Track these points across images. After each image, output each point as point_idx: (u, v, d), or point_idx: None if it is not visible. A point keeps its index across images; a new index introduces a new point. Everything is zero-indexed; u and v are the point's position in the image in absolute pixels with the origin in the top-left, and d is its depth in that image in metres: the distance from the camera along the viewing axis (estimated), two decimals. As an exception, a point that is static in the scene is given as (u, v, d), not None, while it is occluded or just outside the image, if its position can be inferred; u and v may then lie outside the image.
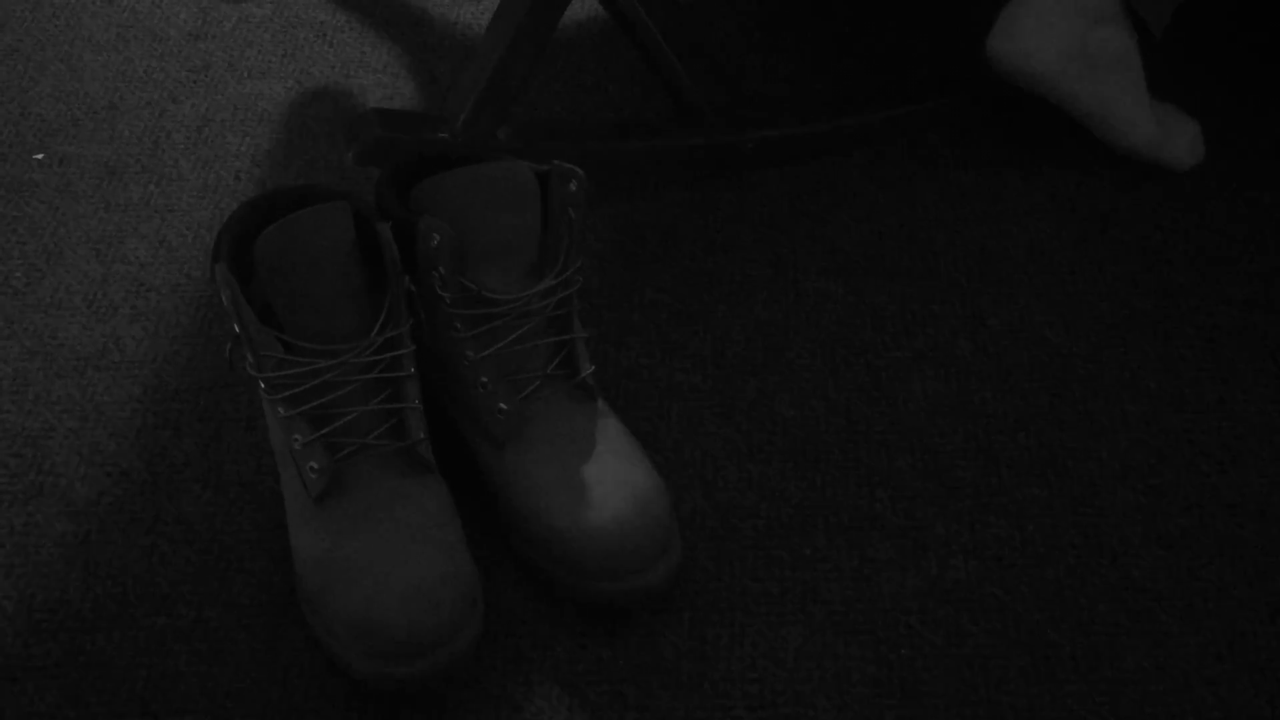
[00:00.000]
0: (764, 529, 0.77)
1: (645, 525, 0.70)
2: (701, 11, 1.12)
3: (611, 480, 0.71)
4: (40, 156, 1.01)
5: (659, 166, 0.97)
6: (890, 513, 0.78)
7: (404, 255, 0.72)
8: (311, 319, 0.70)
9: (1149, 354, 0.86)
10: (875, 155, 0.99)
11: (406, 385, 0.71)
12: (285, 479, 0.73)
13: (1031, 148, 1.00)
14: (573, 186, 0.73)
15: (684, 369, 0.86)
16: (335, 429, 0.70)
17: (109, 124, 1.03)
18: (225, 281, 0.69)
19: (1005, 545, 0.76)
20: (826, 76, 1.06)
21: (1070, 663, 0.71)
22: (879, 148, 0.99)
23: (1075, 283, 0.91)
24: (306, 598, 0.71)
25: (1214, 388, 0.84)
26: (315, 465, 0.70)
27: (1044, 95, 0.93)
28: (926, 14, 1.11)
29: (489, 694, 0.70)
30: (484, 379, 0.72)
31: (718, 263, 0.92)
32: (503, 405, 0.72)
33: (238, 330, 0.70)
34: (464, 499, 0.75)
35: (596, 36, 1.09)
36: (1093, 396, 0.84)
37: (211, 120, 1.03)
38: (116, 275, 0.92)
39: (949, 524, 0.77)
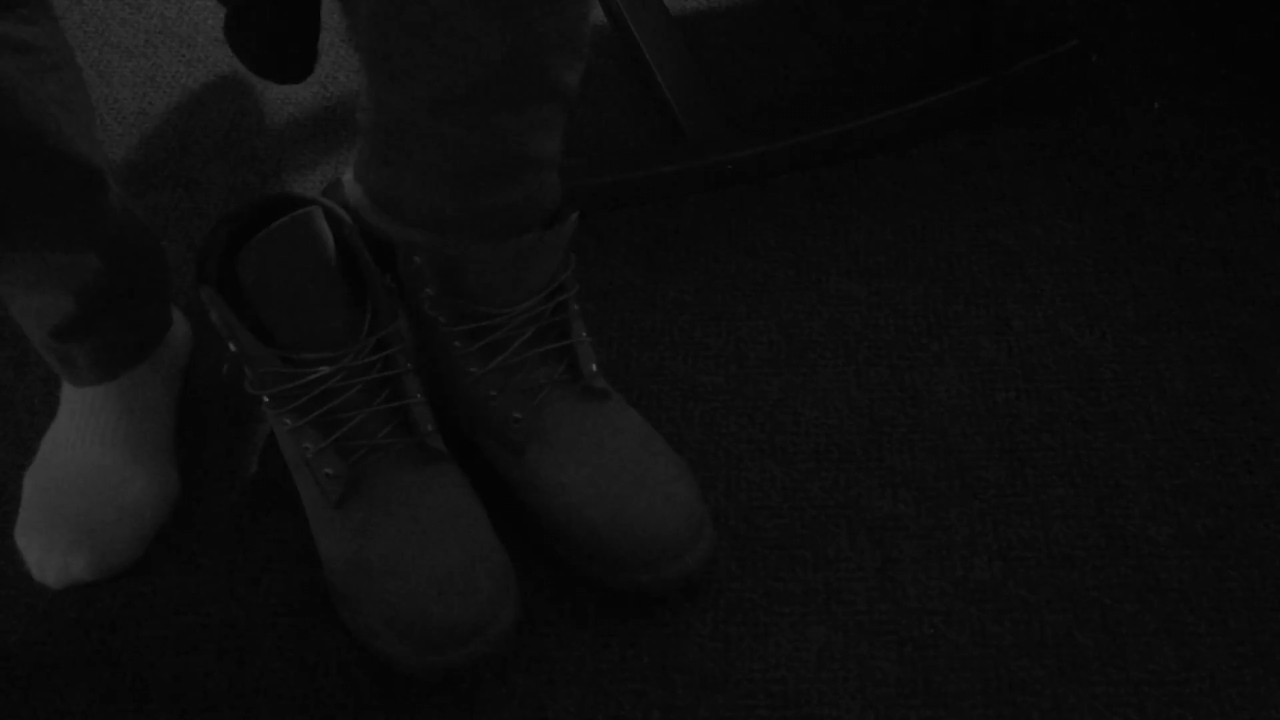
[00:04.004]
0: (787, 529, 0.77)
1: (676, 512, 0.71)
2: (693, 27, 1.12)
3: (637, 473, 0.72)
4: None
5: (646, 195, 0.97)
6: (914, 513, 0.78)
7: (392, 279, 0.72)
8: (303, 328, 0.70)
9: (1175, 355, 0.86)
10: (898, 157, 0.99)
11: (406, 381, 0.72)
12: (302, 487, 0.73)
13: (1055, 149, 1.00)
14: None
15: (706, 369, 0.86)
16: (345, 433, 0.70)
17: (138, 129, 1.04)
18: (214, 302, 0.70)
19: (1030, 546, 0.76)
20: (814, 87, 1.06)
21: (1096, 664, 0.71)
22: (857, 161, 0.99)
23: (1100, 284, 0.90)
24: (342, 600, 0.71)
25: (1240, 388, 0.84)
26: (330, 471, 0.70)
27: None
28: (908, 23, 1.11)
29: (513, 693, 0.70)
30: (492, 392, 0.73)
31: (740, 264, 0.92)
32: (516, 414, 0.73)
33: (234, 349, 0.70)
34: (481, 492, 0.76)
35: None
36: (1118, 397, 0.83)
37: (239, 125, 1.04)
38: (145, 278, 0.93)
39: (973, 524, 0.77)
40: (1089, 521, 0.77)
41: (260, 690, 0.71)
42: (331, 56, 1.10)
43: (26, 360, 0.87)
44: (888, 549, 0.76)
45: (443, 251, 0.71)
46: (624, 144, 1.01)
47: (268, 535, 0.78)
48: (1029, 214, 0.95)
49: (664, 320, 0.89)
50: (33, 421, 0.84)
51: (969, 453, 0.81)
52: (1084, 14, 1.09)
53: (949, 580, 0.74)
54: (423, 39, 0.63)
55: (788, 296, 0.90)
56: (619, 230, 0.95)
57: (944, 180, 0.98)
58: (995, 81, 1.01)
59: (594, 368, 0.74)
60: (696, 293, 0.91)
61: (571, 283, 0.74)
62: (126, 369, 0.78)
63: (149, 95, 1.07)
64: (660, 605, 0.73)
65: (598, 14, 1.08)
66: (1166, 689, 0.70)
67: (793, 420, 0.83)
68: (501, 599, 0.69)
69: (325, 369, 0.69)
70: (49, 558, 0.74)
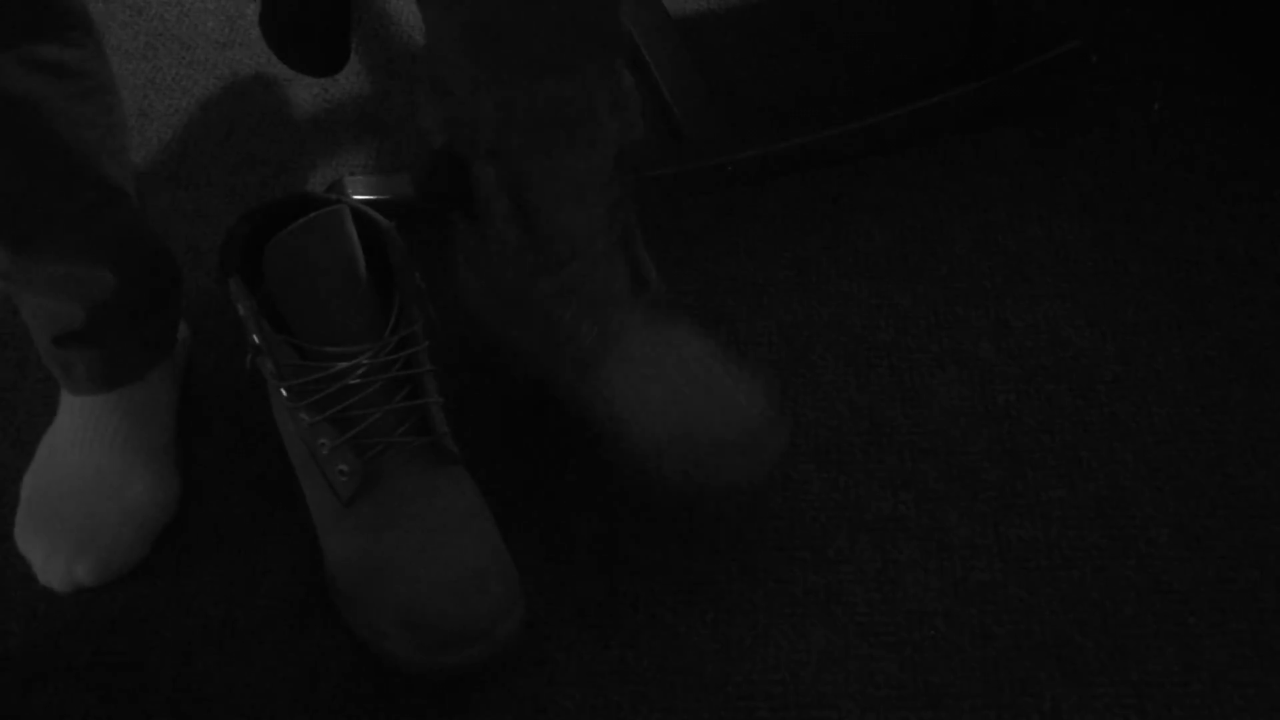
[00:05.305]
0: (787, 530, 0.77)
1: (756, 416, 0.73)
2: (693, 29, 1.12)
3: (708, 379, 0.74)
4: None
5: (645, 196, 0.97)
6: (914, 514, 0.78)
7: (464, 200, 0.73)
8: (325, 324, 0.70)
9: (1175, 355, 0.86)
10: (898, 158, 0.99)
11: (425, 380, 0.72)
12: (309, 486, 0.73)
13: (1055, 149, 1.00)
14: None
15: (707, 371, 0.86)
16: (362, 430, 0.70)
17: (139, 131, 1.04)
18: (241, 294, 0.70)
19: (1030, 547, 0.76)
20: (814, 88, 1.06)
21: (1096, 665, 0.71)
22: (857, 162, 0.99)
23: (1100, 284, 0.90)
24: (346, 599, 0.71)
25: (1241, 389, 0.84)
26: (345, 468, 0.70)
27: None
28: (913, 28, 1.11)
29: (513, 695, 0.70)
30: (563, 306, 0.74)
31: (740, 265, 0.92)
32: (586, 329, 0.74)
33: (257, 340, 0.71)
34: (490, 490, 0.76)
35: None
36: (1118, 398, 0.83)
37: (239, 127, 1.04)
38: (146, 280, 0.93)
39: (973, 526, 0.77)
40: (1089, 523, 0.77)
41: (260, 691, 0.71)
42: (332, 58, 1.10)
43: (28, 361, 0.87)
44: (888, 550, 0.76)
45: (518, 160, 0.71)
46: (624, 145, 1.01)
47: (268, 535, 0.78)
48: (1029, 214, 0.95)
49: (664, 322, 0.89)
50: (33, 423, 0.84)
51: (969, 454, 0.81)
52: (1084, 14, 1.09)
53: (949, 581, 0.74)
54: None
55: (788, 298, 0.90)
56: (619, 232, 0.95)
57: (944, 181, 0.98)
58: (995, 83, 1.01)
59: (659, 280, 0.77)
60: (696, 293, 0.91)
61: (629, 199, 0.75)
62: (126, 383, 0.78)
63: (150, 98, 1.07)
64: (660, 606, 0.74)
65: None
66: (1167, 690, 0.70)
67: (793, 421, 0.83)
68: (511, 600, 0.69)
69: (344, 364, 0.70)
70: (53, 562, 0.74)
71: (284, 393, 0.71)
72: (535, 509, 0.78)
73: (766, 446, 0.74)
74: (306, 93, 1.07)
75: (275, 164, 1.01)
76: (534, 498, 0.79)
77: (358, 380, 0.71)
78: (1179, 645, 0.71)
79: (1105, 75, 1.04)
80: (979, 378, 0.85)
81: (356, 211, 0.73)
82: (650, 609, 0.73)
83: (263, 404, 0.80)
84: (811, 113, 1.02)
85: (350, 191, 0.94)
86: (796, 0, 1.13)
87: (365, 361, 0.70)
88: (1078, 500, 0.78)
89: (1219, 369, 0.85)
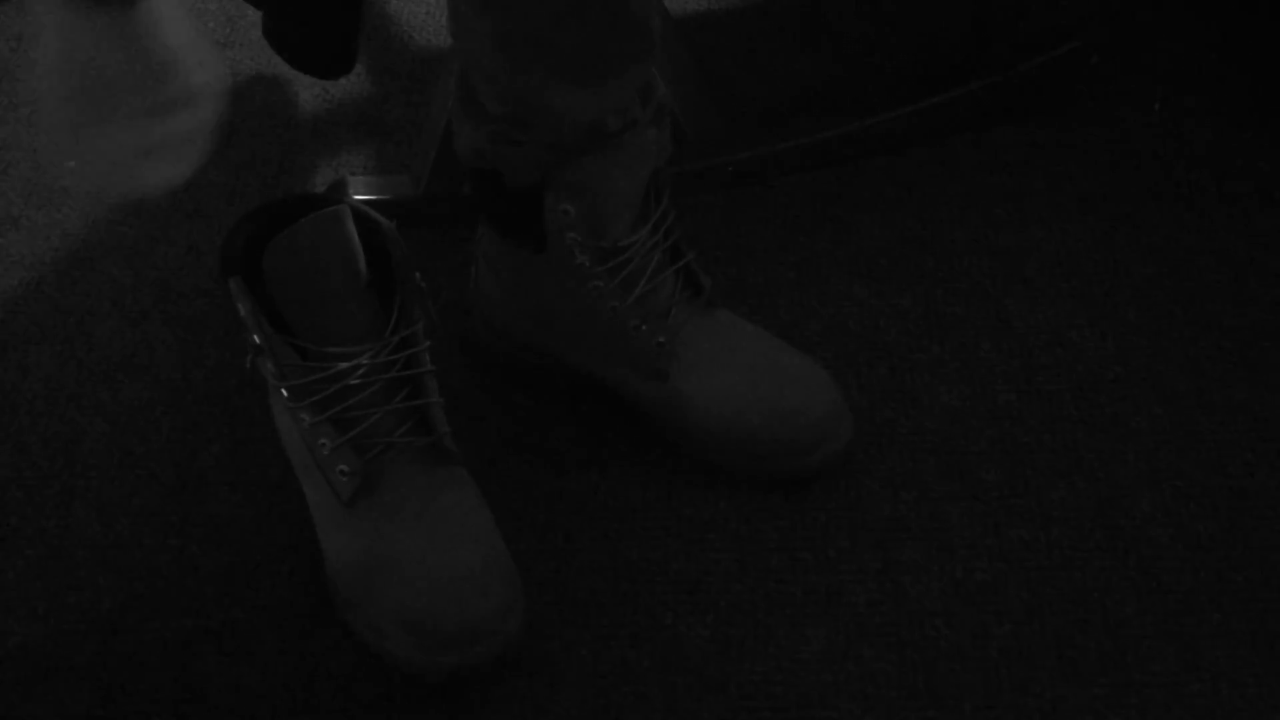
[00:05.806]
0: (788, 530, 0.77)
1: (821, 400, 0.78)
2: (693, 29, 1.13)
3: (775, 372, 0.78)
4: (72, 164, 1.02)
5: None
6: (915, 515, 0.78)
7: (531, 228, 0.76)
8: (326, 324, 0.71)
9: (1176, 356, 0.86)
10: (899, 158, 0.99)
11: (426, 381, 0.72)
12: (309, 486, 0.73)
13: (1055, 149, 1.00)
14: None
15: (707, 372, 0.86)
16: (362, 430, 0.70)
17: (139, 132, 1.04)
18: (242, 294, 0.70)
19: (1031, 547, 0.76)
20: (814, 88, 1.06)
21: (1097, 665, 0.71)
22: (857, 162, 0.99)
23: (1100, 285, 0.90)
24: (347, 600, 0.71)
25: (1242, 389, 0.84)
26: (345, 469, 0.70)
27: None
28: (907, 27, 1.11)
29: (513, 695, 0.70)
30: (635, 322, 0.77)
31: (741, 266, 0.92)
32: (661, 339, 0.77)
33: (258, 340, 0.71)
34: (490, 491, 0.76)
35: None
36: (1119, 399, 0.83)
37: (240, 127, 1.04)
38: (146, 281, 0.93)
39: (974, 526, 0.77)
40: (1090, 523, 0.77)
41: (260, 691, 0.71)
42: (332, 59, 1.10)
43: (29, 363, 0.88)
44: (889, 550, 0.76)
45: (579, 159, 0.75)
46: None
47: (268, 536, 0.78)
48: (1029, 215, 0.95)
49: (664, 322, 0.89)
50: (34, 424, 0.84)
51: (970, 454, 0.81)
52: (1084, 15, 1.09)
53: (950, 581, 0.74)
54: None
55: (788, 298, 0.90)
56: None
57: (945, 181, 0.98)
58: (996, 83, 1.01)
59: (707, 279, 0.80)
60: (697, 294, 0.91)
61: (672, 209, 0.79)
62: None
63: (150, 98, 1.07)
64: (660, 606, 0.74)
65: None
66: (1167, 690, 0.70)
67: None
68: (512, 601, 0.69)
69: (344, 364, 0.70)
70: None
71: (284, 393, 0.71)
72: (535, 509, 0.78)
73: (836, 435, 0.78)
74: (307, 93, 1.07)
75: (275, 164, 1.01)
76: (534, 498, 0.79)
77: (358, 380, 0.71)
78: (1179, 645, 0.71)
79: (1105, 75, 1.04)
80: (979, 378, 0.85)
81: (357, 211, 0.73)
82: (650, 609, 0.74)
83: (263, 404, 0.80)
84: (812, 113, 1.02)
85: (351, 191, 0.94)
86: (796, 0, 1.13)
87: (366, 362, 0.70)
88: (1078, 500, 0.78)
89: (1218, 368, 0.85)
